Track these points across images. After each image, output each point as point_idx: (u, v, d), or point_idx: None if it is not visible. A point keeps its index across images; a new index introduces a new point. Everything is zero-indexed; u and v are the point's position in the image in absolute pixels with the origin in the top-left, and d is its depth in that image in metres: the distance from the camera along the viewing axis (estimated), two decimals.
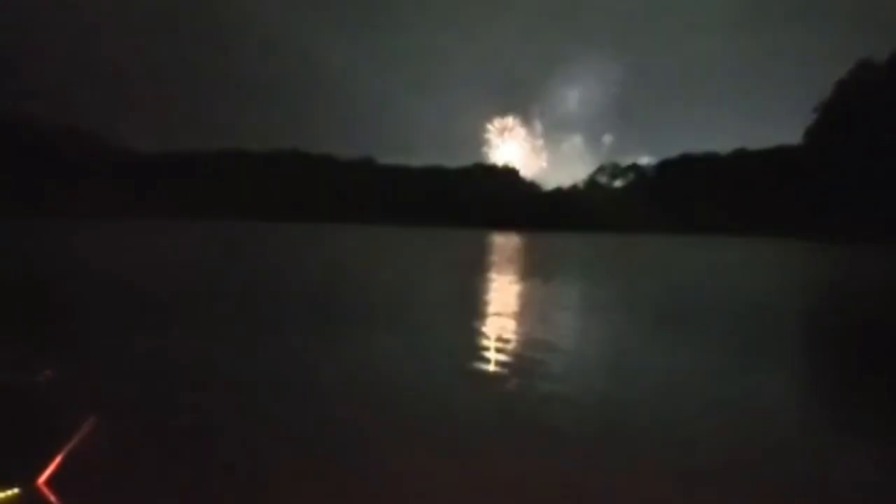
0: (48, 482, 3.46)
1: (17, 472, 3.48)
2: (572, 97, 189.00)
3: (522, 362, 6.95)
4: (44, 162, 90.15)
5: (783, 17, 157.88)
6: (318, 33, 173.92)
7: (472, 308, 11.89)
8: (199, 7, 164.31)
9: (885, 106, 69.16)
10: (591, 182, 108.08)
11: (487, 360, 7.02)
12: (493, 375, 6.42)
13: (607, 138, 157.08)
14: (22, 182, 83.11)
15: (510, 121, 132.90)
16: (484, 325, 9.54)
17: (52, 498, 3.31)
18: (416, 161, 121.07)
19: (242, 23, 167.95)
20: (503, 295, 14.09)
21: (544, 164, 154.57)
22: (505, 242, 48.75)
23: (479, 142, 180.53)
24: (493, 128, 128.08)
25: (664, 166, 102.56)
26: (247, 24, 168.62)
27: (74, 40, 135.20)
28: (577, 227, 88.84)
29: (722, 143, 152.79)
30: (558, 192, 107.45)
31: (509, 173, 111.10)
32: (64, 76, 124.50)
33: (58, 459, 3.63)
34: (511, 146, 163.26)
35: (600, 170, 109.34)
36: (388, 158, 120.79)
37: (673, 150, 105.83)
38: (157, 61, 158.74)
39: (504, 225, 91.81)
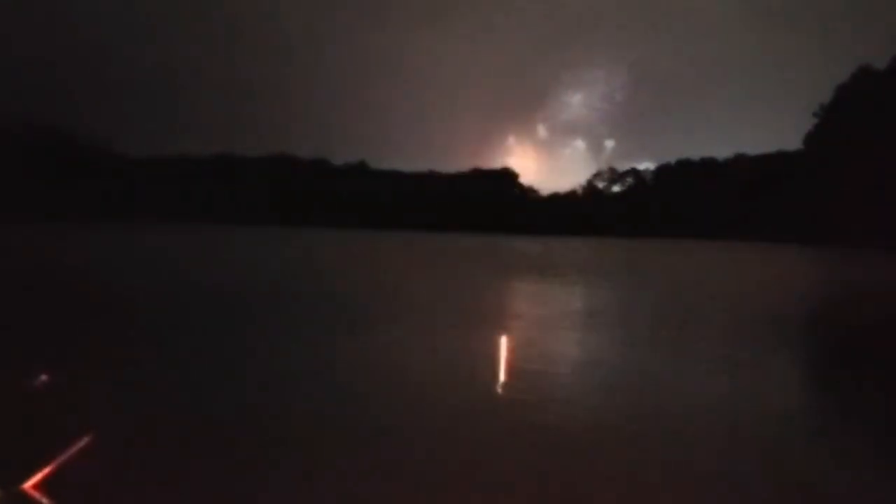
0: (35, 487, 3.22)
1: (5, 475, 3.34)
2: (574, 102, 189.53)
3: None
4: (31, 165, 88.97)
5: (783, 22, 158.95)
6: (311, 36, 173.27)
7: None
8: (191, 11, 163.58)
9: (885, 111, 69.23)
10: (590, 187, 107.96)
11: None
12: None
13: (609, 143, 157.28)
14: (11, 186, 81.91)
15: (511, 125, 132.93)
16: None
17: (40, 500, 3.13)
18: (411, 166, 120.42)
19: (234, 26, 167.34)
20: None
21: (545, 169, 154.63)
22: (506, 247, 48.45)
23: (478, 146, 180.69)
24: (493, 133, 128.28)
25: (662, 171, 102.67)
26: (238, 27, 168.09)
27: (61, 44, 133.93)
28: (575, 232, 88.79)
29: (722, 147, 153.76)
30: (556, 197, 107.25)
31: (508, 178, 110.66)
32: (52, 80, 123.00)
33: (46, 469, 3.41)
34: (511, 151, 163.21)
35: (598, 175, 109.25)
36: (382, 163, 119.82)
37: (674, 155, 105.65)
38: (147, 65, 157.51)
39: (502, 229, 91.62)
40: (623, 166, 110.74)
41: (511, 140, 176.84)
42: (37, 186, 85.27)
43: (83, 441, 3.75)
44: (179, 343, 7.48)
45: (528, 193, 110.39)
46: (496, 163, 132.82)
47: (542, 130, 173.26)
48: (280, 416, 4.75)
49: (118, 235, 41.12)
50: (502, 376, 6.17)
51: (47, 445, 3.72)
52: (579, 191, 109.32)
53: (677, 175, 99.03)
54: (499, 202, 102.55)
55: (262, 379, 5.86)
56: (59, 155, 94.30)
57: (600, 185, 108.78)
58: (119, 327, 8.38)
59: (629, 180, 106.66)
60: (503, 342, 8.08)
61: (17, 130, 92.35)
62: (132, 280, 14.52)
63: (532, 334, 8.84)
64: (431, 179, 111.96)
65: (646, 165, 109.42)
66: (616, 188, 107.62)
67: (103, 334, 7.92)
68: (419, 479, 3.62)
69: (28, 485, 3.21)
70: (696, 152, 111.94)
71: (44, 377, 5.28)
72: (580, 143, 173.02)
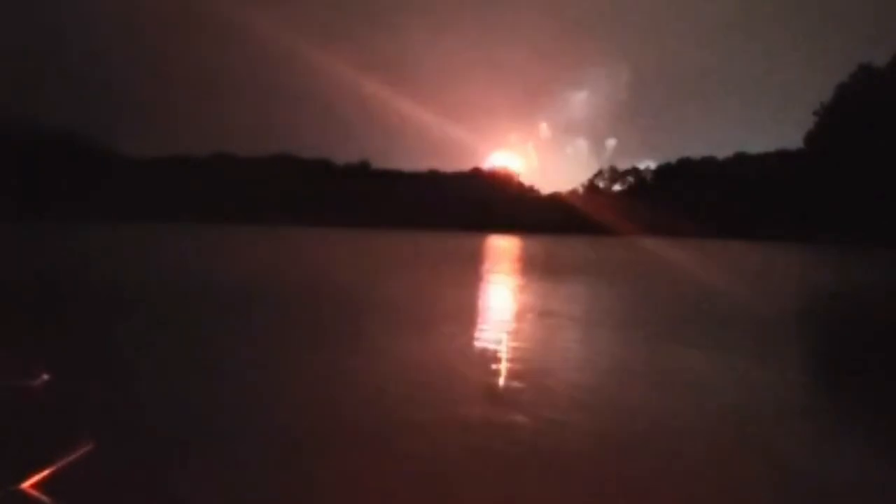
0: (33, 487, 3.23)
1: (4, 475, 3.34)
2: (576, 101, 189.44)
3: None
4: (32, 166, 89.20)
5: (784, 21, 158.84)
6: (314, 36, 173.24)
7: None
8: (192, 10, 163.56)
9: (885, 110, 69.14)
10: (591, 186, 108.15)
11: None
12: None
13: (611, 142, 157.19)
14: (13, 185, 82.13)
15: (512, 124, 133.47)
16: None
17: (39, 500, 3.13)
18: (413, 165, 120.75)
19: (236, 26, 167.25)
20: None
21: (547, 168, 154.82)
22: (508, 247, 48.57)
23: (479, 146, 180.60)
24: (495, 132, 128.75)
25: (663, 170, 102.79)
26: (240, 27, 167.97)
27: (61, 44, 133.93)
28: (576, 231, 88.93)
29: (723, 146, 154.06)
30: (557, 196, 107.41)
31: (509, 178, 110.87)
32: (53, 80, 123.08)
33: (44, 472, 3.40)
34: (513, 150, 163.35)
35: (599, 174, 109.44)
36: (384, 163, 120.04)
37: (676, 154, 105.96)
38: (149, 65, 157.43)
39: (503, 228, 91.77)
40: (624, 165, 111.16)
41: (513, 139, 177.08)
42: (39, 186, 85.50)
43: (84, 448, 3.73)
44: (174, 342, 7.46)
45: (529, 192, 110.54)
46: (497, 162, 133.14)
47: (544, 129, 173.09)
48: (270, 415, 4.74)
49: (120, 234, 41.20)
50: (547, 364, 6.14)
51: (47, 447, 3.71)
52: (580, 190, 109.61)
53: (678, 174, 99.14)
54: (500, 201, 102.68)
55: (258, 380, 5.81)
56: (62, 155, 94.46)
57: (601, 183, 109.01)
58: (117, 326, 8.37)
59: (630, 179, 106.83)
60: (506, 338, 8.06)
61: (18, 131, 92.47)
62: (131, 279, 14.50)
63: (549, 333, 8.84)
64: (433, 179, 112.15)
65: (646, 164, 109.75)
66: (617, 187, 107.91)
67: (102, 334, 7.92)
68: None
69: (27, 484, 3.25)
70: (696, 151, 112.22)
71: (45, 377, 5.25)
72: (582, 142, 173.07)
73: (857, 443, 4.53)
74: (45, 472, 3.45)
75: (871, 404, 5.65)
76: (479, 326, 9.14)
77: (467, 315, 10.39)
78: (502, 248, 40.29)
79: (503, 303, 12.41)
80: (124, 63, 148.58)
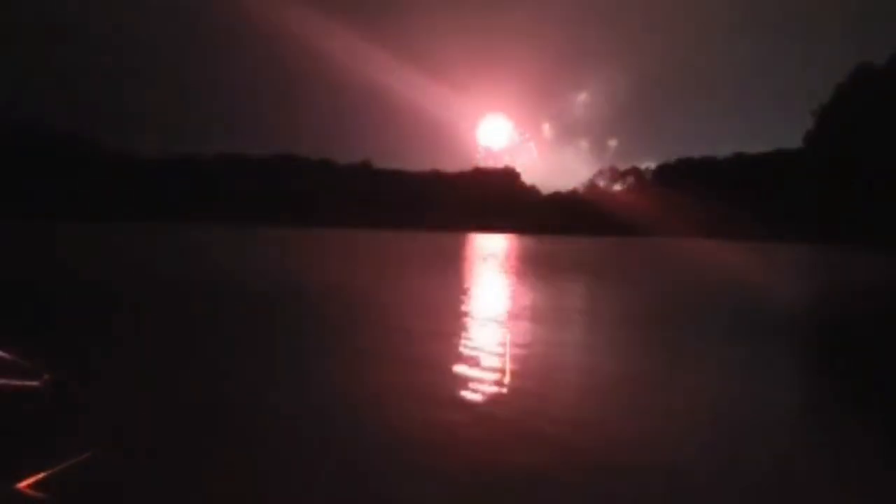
0: (30, 487, 3.26)
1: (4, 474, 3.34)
2: (578, 103, 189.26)
3: None
4: (41, 166, 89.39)
5: (783, 22, 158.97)
6: (316, 36, 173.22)
7: None
8: (197, 10, 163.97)
9: (884, 110, 69.07)
10: (591, 186, 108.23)
11: None
12: None
13: (612, 143, 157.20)
14: (21, 185, 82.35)
15: (514, 125, 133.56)
16: None
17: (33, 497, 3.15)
18: (415, 165, 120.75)
19: (240, 26, 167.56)
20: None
21: (548, 169, 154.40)
22: (508, 246, 48.52)
23: (481, 146, 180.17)
24: (496, 132, 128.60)
25: (662, 170, 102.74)
26: (244, 27, 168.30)
27: (70, 43, 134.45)
28: (576, 231, 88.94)
29: (723, 146, 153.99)
30: (556, 196, 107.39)
31: (510, 178, 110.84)
32: (62, 80, 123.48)
33: (43, 474, 3.39)
34: (514, 151, 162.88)
35: (599, 174, 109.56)
36: (386, 163, 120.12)
37: (676, 154, 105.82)
38: (155, 65, 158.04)
39: (503, 228, 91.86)
40: (625, 165, 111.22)
41: (514, 139, 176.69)
42: (50, 186, 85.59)
43: (85, 455, 3.73)
44: (181, 343, 7.59)
45: (530, 192, 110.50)
46: (498, 164, 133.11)
47: (546, 130, 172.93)
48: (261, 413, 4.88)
49: (126, 235, 41.19)
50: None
51: (47, 448, 3.78)
52: (581, 189, 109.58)
53: (678, 174, 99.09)
54: (501, 201, 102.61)
55: (259, 380, 5.94)
56: (66, 156, 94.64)
57: (601, 183, 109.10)
58: (122, 328, 8.49)
59: (630, 179, 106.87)
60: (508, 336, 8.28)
61: (31, 131, 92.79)
62: (137, 281, 14.59)
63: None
64: (434, 179, 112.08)
65: (647, 164, 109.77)
66: (617, 187, 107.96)
67: (106, 332, 8.11)
68: None
69: (24, 484, 3.26)
70: (696, 151, 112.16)
71: (46, 376, 5.14)
72: (583, 143, 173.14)
73: None
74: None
75: None
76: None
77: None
78: (506, 249, 40.40)
79: (535, 302, 12.77)
80: (130, 63, 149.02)
